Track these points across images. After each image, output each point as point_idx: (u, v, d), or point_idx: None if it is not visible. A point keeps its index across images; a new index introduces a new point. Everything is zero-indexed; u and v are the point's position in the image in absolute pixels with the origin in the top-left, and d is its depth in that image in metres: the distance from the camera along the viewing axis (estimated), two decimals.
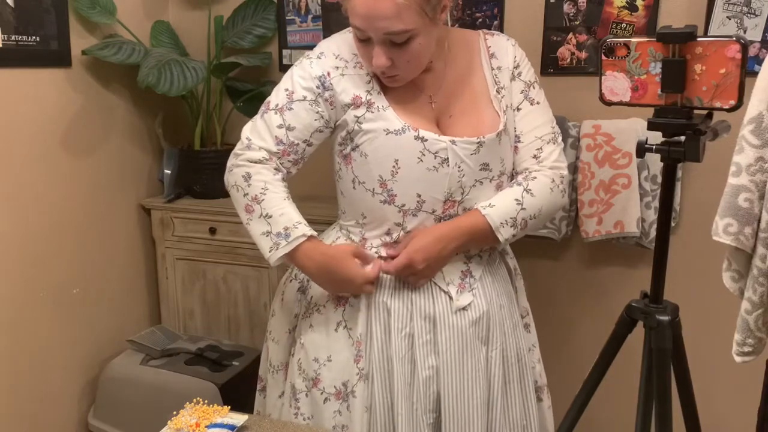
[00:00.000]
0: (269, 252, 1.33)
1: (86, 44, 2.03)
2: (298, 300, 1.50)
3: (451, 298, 1.38)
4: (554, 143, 1.42)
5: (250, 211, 1.36)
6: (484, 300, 1.40)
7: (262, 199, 1.34)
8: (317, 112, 1.36)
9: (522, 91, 1.42)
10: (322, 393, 1.40)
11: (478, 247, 1.41)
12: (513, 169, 1.44)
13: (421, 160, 1.32)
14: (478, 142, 1.33)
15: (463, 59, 1.43)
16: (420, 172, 1.33)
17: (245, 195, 1.36)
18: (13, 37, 1.81)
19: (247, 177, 1.36)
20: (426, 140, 1.32)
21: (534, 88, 1.43)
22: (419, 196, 1.34)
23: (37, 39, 1.89)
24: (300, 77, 1.37)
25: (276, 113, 1.37)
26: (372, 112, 1.34)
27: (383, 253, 1.40)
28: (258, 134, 1.38)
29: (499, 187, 1.40)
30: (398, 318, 1.37)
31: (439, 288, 1.38)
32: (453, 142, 1.32)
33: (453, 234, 1.34)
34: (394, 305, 1.37)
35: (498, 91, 1.40)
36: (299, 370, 1.44)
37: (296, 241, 1.32)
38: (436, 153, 1.32)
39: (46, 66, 1.93)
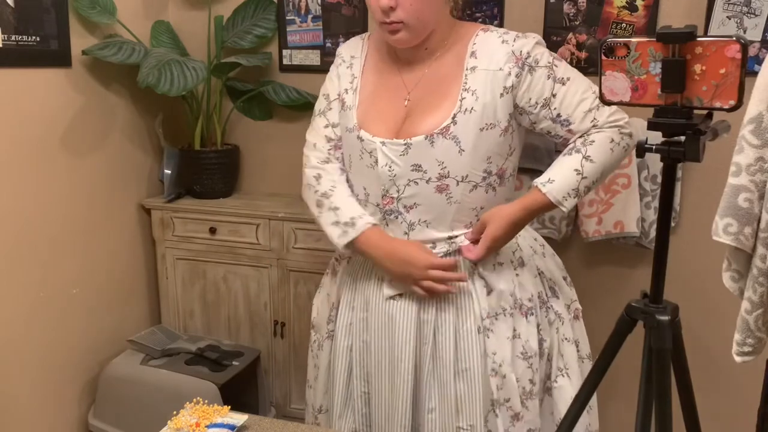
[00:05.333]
0: (337, 239, 1.47)
1: (86, 44, 2.03)
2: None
3: (382, 282, 1.48)
4: (604, 105, 1.40)
5: (321, 205, 1.52)
6: (416, 296, 1.45)
7: (331, 195, 1.51)
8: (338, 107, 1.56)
9: (548, 76, 1.39)
10: (314, 334, 1.68)
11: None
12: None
13: (362, 158, 1.46)
14: (405, 144, 1.40)
15: (452, 57, 1.44)
16: (362, 168, 1.47)
17: (316, 192, 1.53)
18: (13, 37, 1.81)
19: (318, 177, 1.54)
20: (363, 140, 1.45)
21: (556, 66, 1.40)
22: (365, 189, 1.49)
23: (37, 39, 1.89)
24: (329, 80, 1.59)
25: (320, 117, 1.58)
26: (344, 110, 1.52)
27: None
28: (315, 136, 1.58)
29: (441, 190, 1.41)
30: (348, 290, 1.56)
31: (376, 273, 1.50)
32: (383, 143, 1.42)
33: (522, 215, 1.40)
34: (348, 279, 1.56)
35: (462, 95, 1.39)
36: (315, 312, 1.70)
37: (362, 227, 1.45)
38: (370, 152, 1.44)
39: (46, 66, 1.93)
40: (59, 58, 1.97)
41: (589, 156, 1.38)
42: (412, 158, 1.40)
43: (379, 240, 1.45)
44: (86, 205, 2.13)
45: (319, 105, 1.59)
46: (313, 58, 2.28)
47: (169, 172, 2.35)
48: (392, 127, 1.44)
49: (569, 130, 1.42)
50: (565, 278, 1.62)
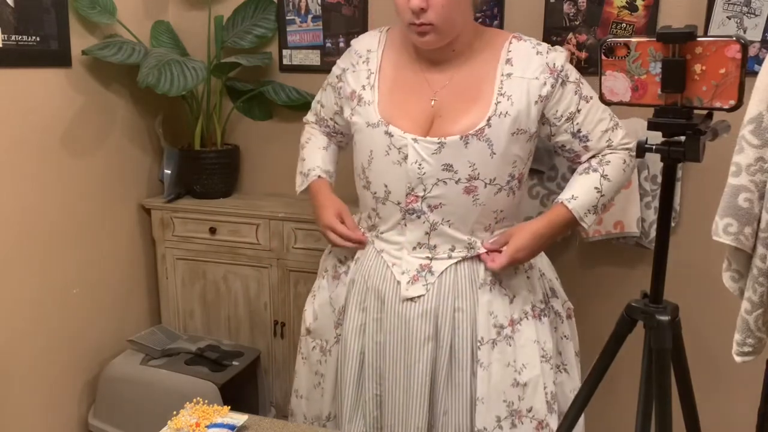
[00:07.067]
0: (297, 186, 1.69)
1: (86, 44, 2.03)
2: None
3: (399, 283, 1.47)
4: (617, 128, 1.48)
5: (299, 156, 1.71)
6: (437, 297, 1.45)
7: (304, 147, 1.71)
8: (335, 96, 1.62)
9: (575, 92, 1.44)
10: (313, 341, 1.67)
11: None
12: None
13: (388, 154, 1.45)
14: (439, 143, 1.40)
15: (483, 62, 1.45)
16: (387, 165, 1.45)
17: (300, 145, 1.73)
18: (13, 37, 1.81)
19: (303, 132, 1.75)
20: (392, 135, 1.44)
21: (582, 83, 1.45)
22: (386, 186, 1.47)
23: (37, 39, 1.89)
24: (336, 65, 1.63)
25: (321, 90, 1.69)
26: (361, 106, 1.50)
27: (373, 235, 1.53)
28: (315, 102, 1.73)
29: (469, 191, 1.42)
30: (358, 292, 1.54)
31: (393, 274, 1.48)
32: (415, 140, 1.41)
33: (547, 230, 1.46)
34: (358, 279, 1.55)
35: (498, 99, 1.40)
36: (311, 317, 1.68)
37: (310, 179, 1.64)
38: (399, 148, 1.43)
39: (46, 66, 1.93)
40: (59, 58, 1.97)
41: (606, 175, 1.45)
42: (445, 158, 1.40)
43: (317, 192, 1.62)
44: (86, 205, 2.13)
45: (326, 79, 1.67)
46: (313, 58, 2.28)
47: (169, 172, 2.35)
48: (420, 125, 1.44)
49: (585, 147, 1.47)
50: (557, 278, 1.64)
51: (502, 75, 1.42)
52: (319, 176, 1.63)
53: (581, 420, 1.57)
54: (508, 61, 1.43)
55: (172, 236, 2.31)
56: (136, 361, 2.09)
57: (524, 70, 1.41)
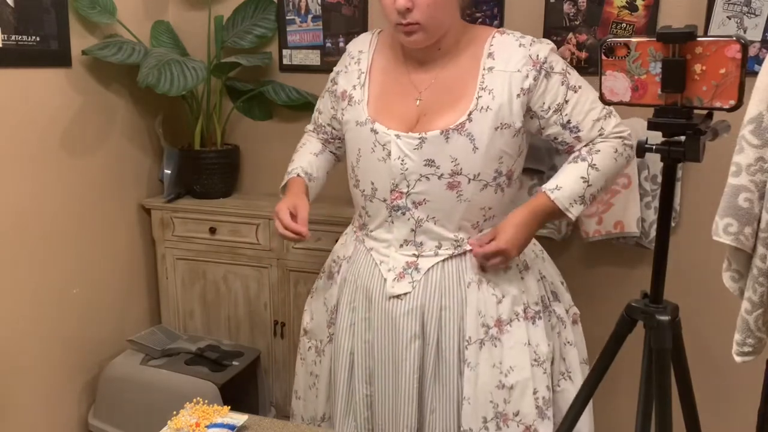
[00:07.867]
0: (281, 185, 1.67)
1: (86, 44, 2.03)
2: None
3: (385, 281, 1.48)
4: (610, 116, 1.45)
5: (291, 159, 1.71)
6: (423, 294, 1.45)
7: (297, 151, 1.72)
8: (331, 101, 1.63)
9: (562, 83, 1.41)
10: (309, 341, 1.68)
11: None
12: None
13: (374, 151, 1.46)
14: (420, 138, 1.40)
15: (467, 58, 1.44)
16: (373, 162, 1.47)
17: (296, 148, 1.75)
18: (13, 37, 1.81)
19: (300, 140, 1.77)
20: (377, 132, 1.45)
21: (570, 74, 1.43)
22: (373, 183, 1.48)
23: (37, 39, 1.89)
24: (333, 71, 1.64)
25: (320, 98, 1.71)
26: (351, 105, 1.52)
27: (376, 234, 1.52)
28: (315, 111, 1.73)
29: (452, 187, 1.41)
30: (349, 291, 1.55)
31: (380, 272, 1.48)
32: (398, 136, 1.42)
33: (530, 218, 1.43)
34: (349, 278, 1.55)
35: (479, 94, 1.40)
36: (308, 318, 1.70)
37: (289, 177, 1.64)
38: (383, 145, 1.44)
39: (46, 66, 1.93)
40: (59, 58, 1.97)
41: (594, 164, 1.41)
42: (426, 153, 1.40)
43: (289, 186, 1.61)
44: (86, 205, 2.13)
45: (326, 85, 1.67)
46: (313, 58, 2.28)
47: (169, 172, 2.35)
48: (405, 124, 1.44)
49: (577, 137, 1.44)
50: (562, 283, 1.63)
51: (484, 69, 1.41)
52: (298, 174, 1.62)
53: (590, 419, 1.57)
54: (490, 55, 1.42)
55: (172, 236, 2.31)
56: (136, 361, 2.09)
57: (506, 63, 1.40)
